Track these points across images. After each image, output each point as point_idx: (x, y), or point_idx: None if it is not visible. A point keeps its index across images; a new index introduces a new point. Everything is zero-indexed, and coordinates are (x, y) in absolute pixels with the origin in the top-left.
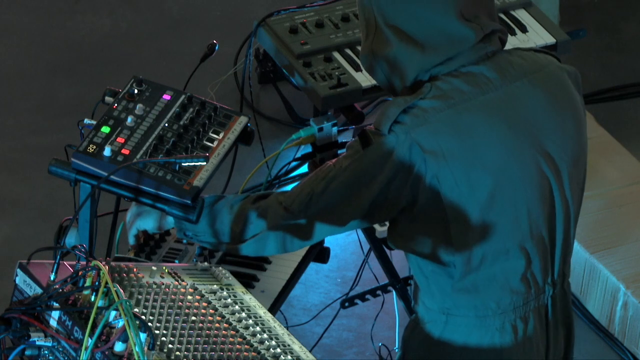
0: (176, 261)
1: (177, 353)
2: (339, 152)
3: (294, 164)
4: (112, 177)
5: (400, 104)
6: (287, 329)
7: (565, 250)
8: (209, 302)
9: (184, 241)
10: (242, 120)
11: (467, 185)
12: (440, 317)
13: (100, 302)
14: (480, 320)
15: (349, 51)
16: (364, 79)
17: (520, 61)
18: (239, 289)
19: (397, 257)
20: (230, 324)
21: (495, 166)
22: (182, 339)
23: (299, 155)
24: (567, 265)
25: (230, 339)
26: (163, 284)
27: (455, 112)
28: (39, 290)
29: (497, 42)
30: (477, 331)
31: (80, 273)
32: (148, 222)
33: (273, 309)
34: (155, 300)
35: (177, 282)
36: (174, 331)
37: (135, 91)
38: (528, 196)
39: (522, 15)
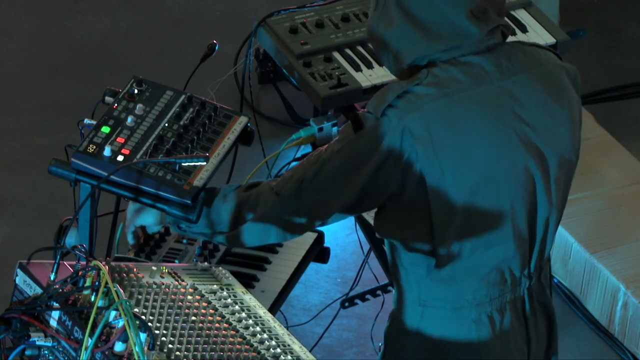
0: (176, 261)
1: (177, 353)
2: None
3: (294, 164)
4: (112, 177)
5: (396, 90)
6: (287, 329)
7: (543, 244)
8: (209, 302)
9: (184, 241)
10: (242, 120)
11: (453, 177)
12: (417, 308)
13: (100, 302)
14: (456, 312)
15: (349, 51)
16: (364, 79)
17: (520, 56)
18: (239, 289)
19: None
20: (230, 324)
21: (483, 160)
22: (182, 339)
23: (299, 155)
24: (543, 259)
25: (230, 339)
26: (163, 284)
27: (449, 101)
28: (39, 290)
29: (499, 36)
30: (453, 323)
31: (80, 273)
32: (148, 218)
33: (273, 309)
34: (155, 300)
35: (177, 282)
36: (174, 331)
37: (135, 91)
38: (512, 192)
39: (522, 15)
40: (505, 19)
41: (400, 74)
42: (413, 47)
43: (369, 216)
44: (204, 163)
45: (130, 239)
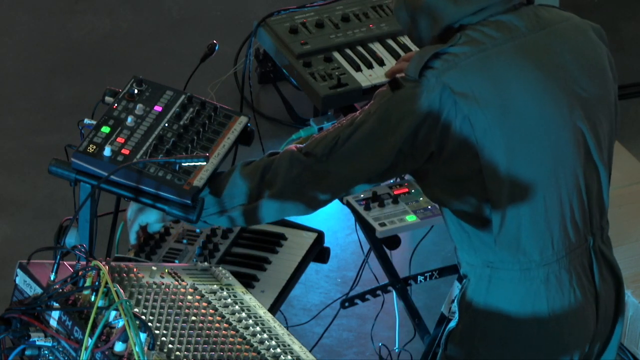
0: (176, 261)
1: (177, 353)
2: None
3: None
4: (112, 177)
5: (431, 50)
6: (287, 329)
7: (600, 200)
8: (209, 302)
9: (184, 241)
10: (242, 120)
11: (500, 129)
12: (485, 270)
13: (100, 302)
14: (524, 274)
15: (349, 51)
16: (364, 79)
17: (545, 13)
18: (239, 289)
19: (397, 257)
20: (230, 324)
21: (528, 110)
22: (182, 339)
23: None
24: (604, 218)
25: (230, 339)
26: (163, 284)
27: (485, 56)
28: (39, 290)
29: None
30: (522, 286)
31: (80, 273)
32: (151, 216)
33: (273, 309)
34: (155, 300)
35: (177, 282)
36: (174, 331)
37: (135, 91)
38: (563, 140)
39: None
40: None
41: (432, 42)
42: (444, 13)
43: (369, 216)
44: (204, 163)
45: (132, 239)
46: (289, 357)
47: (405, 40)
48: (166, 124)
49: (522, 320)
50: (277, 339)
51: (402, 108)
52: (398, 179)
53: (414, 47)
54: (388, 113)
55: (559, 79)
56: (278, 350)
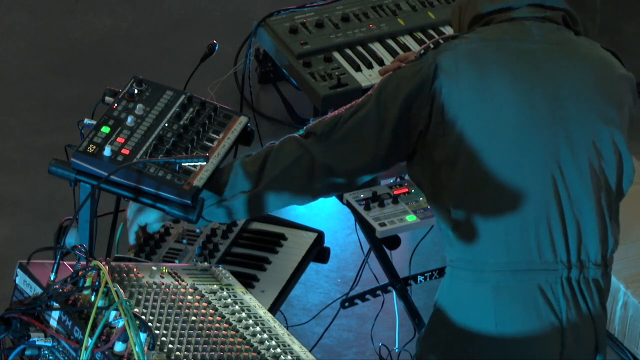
0: (176, 261)
1: (177, 353)
2: None
3: None
4: (112, 177)
5: (445, 35)
6: (287, 329)
7: (579, 232)
8: (209, 302)
9: (184, 241)
10: (242, 120)
11: (474, 117)
12: (448, 270)
13: (100, 302)
14: (476, 275)
15: (349, 51)
16: (364, 79)
17: (572, 37)
18: (239, 289)
19: (397, 257)
20: (230, 324)
21: (506, 110)
22: (182, 339)
23: None
24: (592, 257)
25: (230, 339)
26: (163, 284)
27: (484, 46)
28: (39, 290)
29: (559, 18)
30: (473, 289)
31: (80, 273)
32: (150, 215)
33: (273, 309)
34: (155, 300)
35: (177, 282)
36: (174, 331)
37: (135, 91)
38: (536, 152)
39: None
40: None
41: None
42: (476, 3)
43: (369, 216)
44: (204, 163)
45: (132, 239)
46: (289, 357)
47: (406, 40)
48: (166, 124)
49: (466, 333)
50: (277, 339)
51: (398, 83)
52: (398, 179)
53: (414, 47)
54: (386, 90)
55: (546, 93)
56: (278, 350)
